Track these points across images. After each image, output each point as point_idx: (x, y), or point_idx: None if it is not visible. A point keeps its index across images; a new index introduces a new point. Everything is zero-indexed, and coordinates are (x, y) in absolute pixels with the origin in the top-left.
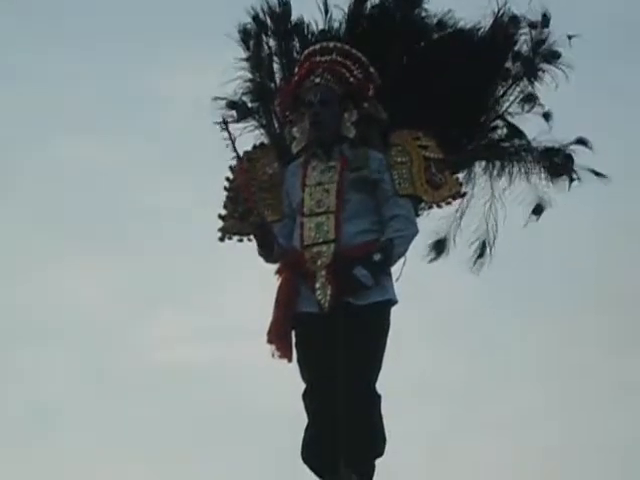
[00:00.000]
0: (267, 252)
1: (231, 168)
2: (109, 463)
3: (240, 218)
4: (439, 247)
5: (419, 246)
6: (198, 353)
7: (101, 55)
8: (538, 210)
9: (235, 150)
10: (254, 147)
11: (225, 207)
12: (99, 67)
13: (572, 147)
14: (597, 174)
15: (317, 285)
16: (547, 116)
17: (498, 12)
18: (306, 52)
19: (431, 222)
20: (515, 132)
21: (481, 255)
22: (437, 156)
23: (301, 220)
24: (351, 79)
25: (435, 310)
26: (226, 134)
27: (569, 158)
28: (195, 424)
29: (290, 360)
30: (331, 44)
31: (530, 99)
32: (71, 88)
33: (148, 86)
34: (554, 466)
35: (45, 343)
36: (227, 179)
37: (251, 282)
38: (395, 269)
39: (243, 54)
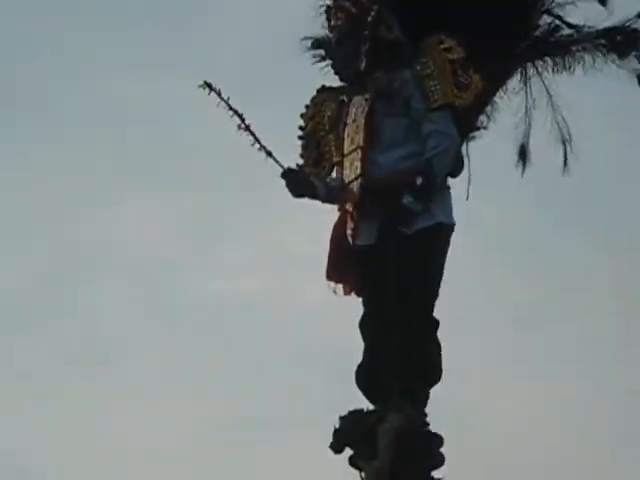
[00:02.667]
0: (309, 195)
1: (301, 115)
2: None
3: (314, 164)
4: (522, 154)
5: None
6: (261, 284)
7: None
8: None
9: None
10: (317, 91)
11: (302, 156)
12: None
13: (635, 22)
14: None
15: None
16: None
17: None
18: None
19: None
20: (563, 23)
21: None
22: (460, 56)
23: (341, 160)
24: (352, 9)
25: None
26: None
27: (635, 33)
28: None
29: (358, 295)
30: None
31: None
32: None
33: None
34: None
35: (108, 278)
36: (300, 127)
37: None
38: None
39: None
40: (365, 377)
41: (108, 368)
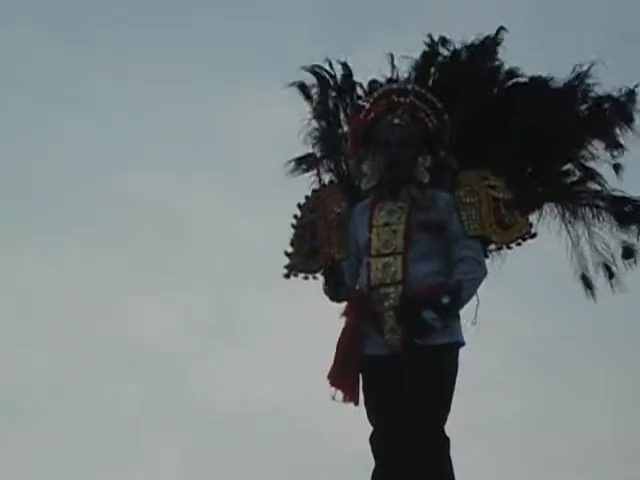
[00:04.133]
0: (336, 291)
1: (299, 206)
2: None
3: (306, 256)
4: (587, 282)
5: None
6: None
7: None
8: (628, 254)
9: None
10: (322, 186)
11: (292, 244)
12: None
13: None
14: None
15: (386, 327)
16: (617, 167)
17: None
18: (382, 90)
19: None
20: (591, 175)
21: (611, 275)
22: (506, 196)
23: (368, 260)
24: (429, 124)
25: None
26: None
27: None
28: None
29: (357, 404)
30: (409, 86)
31: (617, 145)
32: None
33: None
34: None
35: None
36: (295, 217)
37: (314, 321)
38: (469, 311)
39: (307, 106)
40: None
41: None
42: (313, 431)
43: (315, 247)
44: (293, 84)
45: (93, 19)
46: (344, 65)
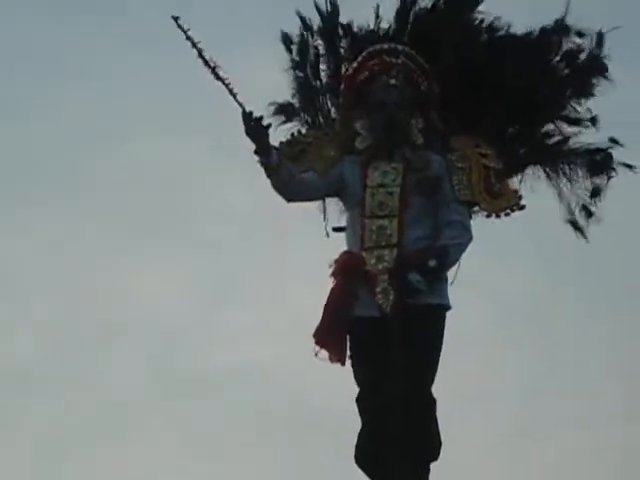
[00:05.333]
0: (260, 145)
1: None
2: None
3: (292, 158)
4: (576, 226)
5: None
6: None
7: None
8: (595, 193)
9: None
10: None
11: (281, 143)
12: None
13: (607, 146)
14: (629, 166)
15: (378, 289)
16: (594, 121)
17: (555, 22)
18: (372, 49)
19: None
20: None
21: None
22: (497, 165)
23: (362, 221)
24: (422, 86)
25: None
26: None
27: (609, 156)
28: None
29: (343, 364)
30: (399, 47)
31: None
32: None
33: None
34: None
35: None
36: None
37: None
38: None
39: (287, 56)
40: (366, 455)
41: (123, 434)
42: (306, 392)
43: (303, 154)
44: (281, 36)
45: None
46: (332, 3)
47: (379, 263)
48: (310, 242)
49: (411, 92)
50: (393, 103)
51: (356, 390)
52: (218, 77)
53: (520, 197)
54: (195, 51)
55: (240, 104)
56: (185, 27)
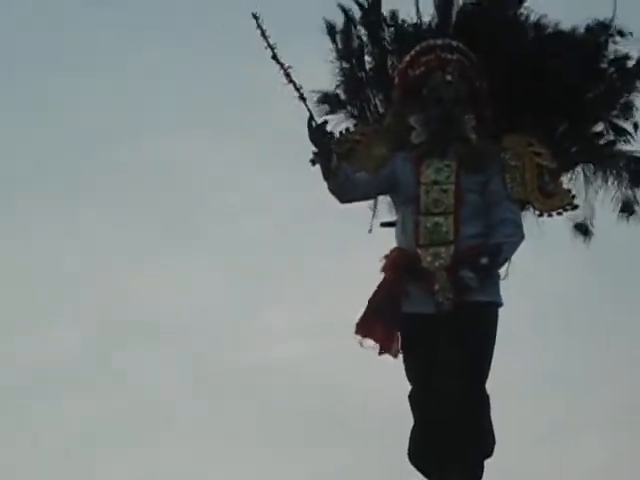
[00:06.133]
0: (323, 150)
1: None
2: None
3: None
4: (581, 230)
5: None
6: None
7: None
8: (627, 209)
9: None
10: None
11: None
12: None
13: None
14: None
15: (436, 286)
16: (637, 126)
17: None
18: (425, 44)
19: None
20: (620, 135)
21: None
22: (550, 164)
23: (417, 218)
24: (477, 84)
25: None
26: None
27: None
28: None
29: (395, 356)
30: (453, 42)
31: (629, 107)
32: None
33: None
34: None
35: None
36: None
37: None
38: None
39: (332, 47)
40: (420, 452)
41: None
42: (346, 387)
43: (354, 152)
44: (325, 25)
45: None
46: None
47: (436, 260)
48: (345, 240)
49: (466, 89)
50: (449, 99)
51: (397, 386)
52: (290, 80)
53: (573, 197)
54: (269, 51)
55: (309, 109)
56: (263, 27)
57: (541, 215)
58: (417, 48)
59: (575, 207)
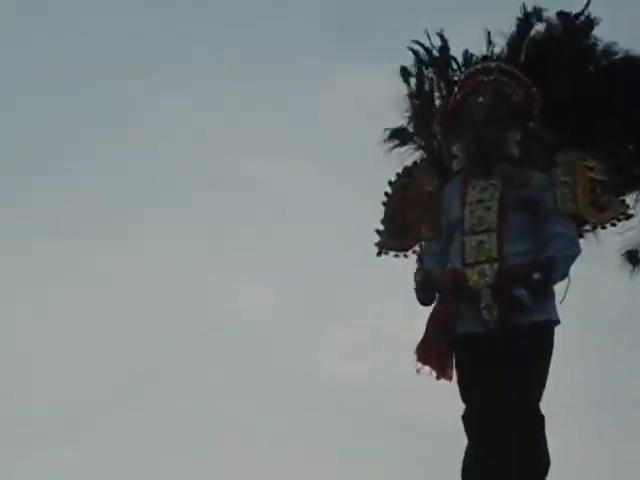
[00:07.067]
0: (426, 300)
1: (390, 183)
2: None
3: (397, 234)
4: (632, 258)
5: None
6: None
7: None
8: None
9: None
10: (414, 163)
11: (383, 222)
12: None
13: None
14: None
15: (482, 304)
16: None
17: None
18: (467, 71)
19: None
20: None
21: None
22: (603, 178)
23: (462, 238)
24: (514, 98)
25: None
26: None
27: None
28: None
29: (450, 379)
30: (493, 64)
31: None
32: None
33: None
34: None
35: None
36: (385, 194)
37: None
38: (559, 291)
39: (405, 89)
40: (473, 473)
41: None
42: (406, 407)
43: (406, 225)
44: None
45: None
46: (441, 37)
47: (481, 278)
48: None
49: (503, 106)
50: (481, 120)
51: (456, 406)
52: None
53: (627, 206)
54: None
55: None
56: None
57: (595, 228)
58: (462, 77)
59: (629, 217)
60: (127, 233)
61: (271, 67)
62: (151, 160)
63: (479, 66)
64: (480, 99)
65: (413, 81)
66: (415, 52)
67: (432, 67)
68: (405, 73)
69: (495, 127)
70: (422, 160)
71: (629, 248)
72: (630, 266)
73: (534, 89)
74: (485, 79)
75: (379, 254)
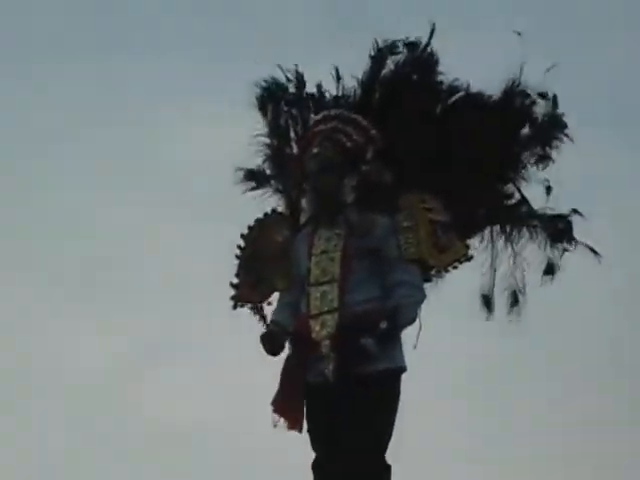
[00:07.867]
0: (274, 351)
1: (242, 236)
2: None
3: (251, 286)
4: (487, 303)
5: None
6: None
7: None
8: (549, 270)
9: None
10: (265, 214)
11: (237, 275)
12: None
13: (569, 216)
14: (593, 251)
15: (322, 355)
16: (548, 189)
17: (512, 82)
18: (312, 121)
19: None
20: (523, 198)
21: (514, 303)
22: (443, 219)
23: (308, 289)
24: (348, 144)
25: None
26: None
27: (569, 225)
28: None
29: (300, 431)
30: (333, 112)
31: (544, 160)
32: None
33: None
34: None
35: None
36: (238, 247)
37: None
38: (410, 336)
39: (261, 121)
40: None
41: None
42: (250, 451)
43: (261, 277)
44: (252, 98)
45: None
46: (297, 74)
47: (323, 329)
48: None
49: (337, 153)
50: (316, 171)
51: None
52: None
53: (467, 246)
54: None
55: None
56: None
57: (439, 272)
58: (307, 126)
59: (470, 258)
60: None
61: None
62: None
63: (320, 115)
64: (315, 150)
65: (269, 113)
66: (269, 87)
67: (288, 105)
68: (262, 102)
69: (329, 175)
70: (273, 210)
71: (483, 293)
72: (485, 311)
73: (373, 132)
74: (323, 128)
75: (235, 307)
